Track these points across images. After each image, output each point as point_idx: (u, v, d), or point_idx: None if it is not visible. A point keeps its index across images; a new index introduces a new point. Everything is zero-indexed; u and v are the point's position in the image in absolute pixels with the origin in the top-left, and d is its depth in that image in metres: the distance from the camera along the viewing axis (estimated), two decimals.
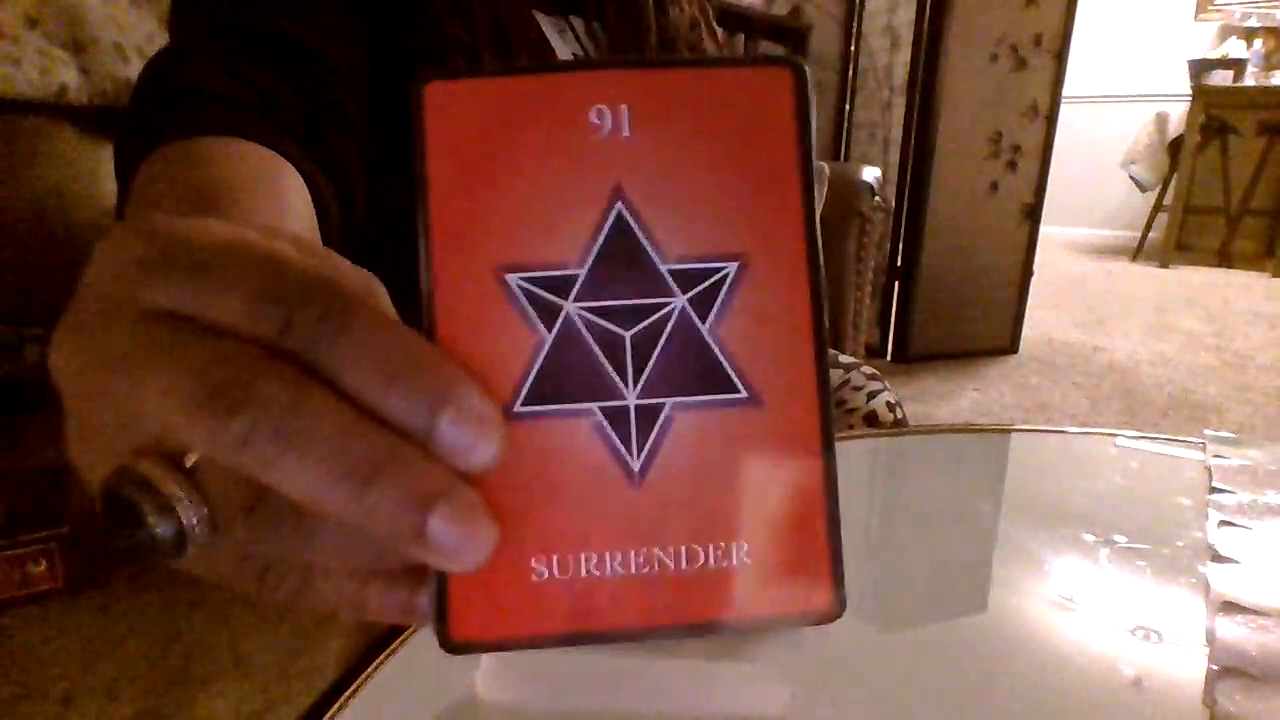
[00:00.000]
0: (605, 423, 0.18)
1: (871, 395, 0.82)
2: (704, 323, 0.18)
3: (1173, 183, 4.30)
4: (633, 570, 0.18)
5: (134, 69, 1.00)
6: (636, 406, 0.18)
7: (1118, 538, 0.51)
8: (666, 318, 0.18)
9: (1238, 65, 4.17)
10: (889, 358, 2.72)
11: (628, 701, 0.38)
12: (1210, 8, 4.67)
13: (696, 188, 0.18)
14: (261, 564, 0.18)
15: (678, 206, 0.18)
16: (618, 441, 0.18)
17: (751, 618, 0.18)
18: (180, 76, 0.40)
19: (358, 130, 0.48)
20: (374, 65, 0.51)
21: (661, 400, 0.18)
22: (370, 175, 0.49)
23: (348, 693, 0.38)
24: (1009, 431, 0.72)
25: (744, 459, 0.18)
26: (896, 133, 2.62)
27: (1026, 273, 2.75)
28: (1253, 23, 4.38)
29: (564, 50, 0.63)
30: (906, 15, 2.52)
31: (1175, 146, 4.31)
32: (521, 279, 0.18)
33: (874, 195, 1.67)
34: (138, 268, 0.17)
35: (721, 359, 0.18)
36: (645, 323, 0.18)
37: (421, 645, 0.42)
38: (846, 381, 0.84)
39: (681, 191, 0.18)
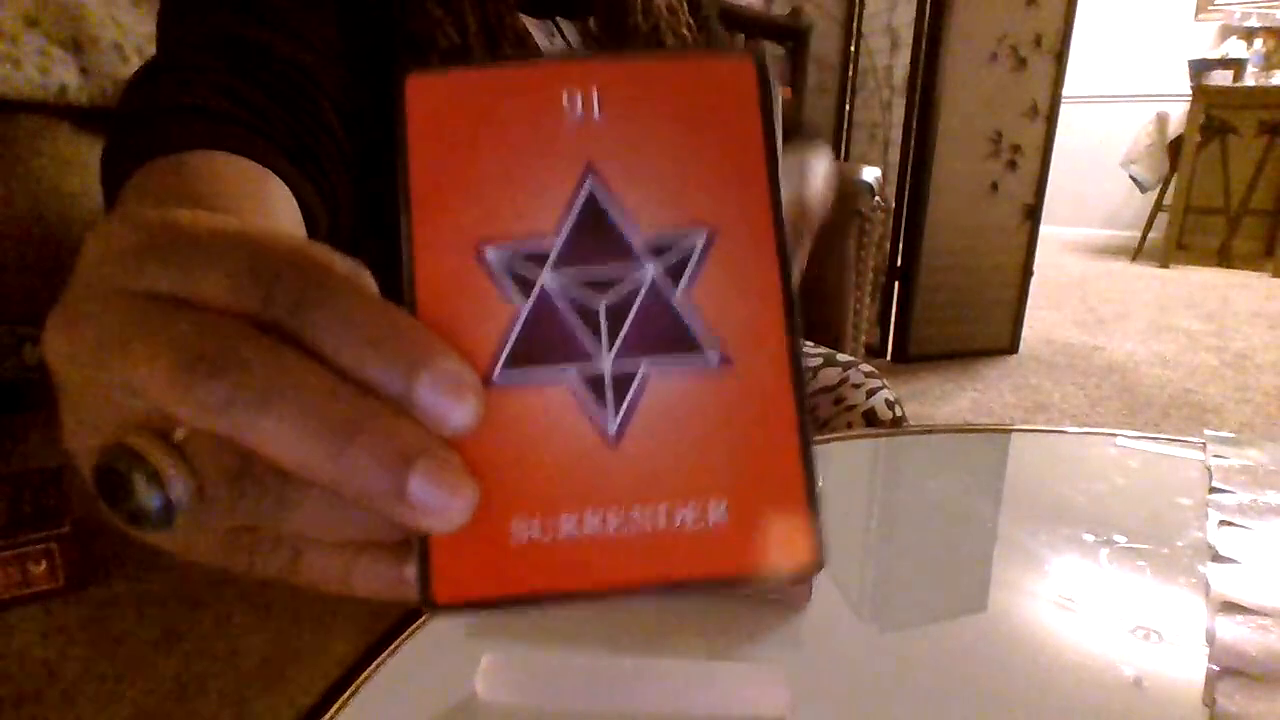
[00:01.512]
0: (582, 387, 0.18)
1: (870, 393, 0.82)
2: (675, 289, 0.19)
3: (1173, 183, 4.30)
4: (612, 530, 0.18)
5: (134, 69, 1.00)
6: (612, 371, 0.18)
7: (1118, 538, 0.51)
8: (639, 285, 0.19)
9: (1238, 65, 4.16)
10: (889, 358, 2.72)
11: (628, 701, 0.38)
12: (1210, 8, 4.67)
13: (665, 164, 0.19)
14: (250, 542, 0.19)
15: (647, 182, 0.19)
16: (594, 405, 0.18)
17: (733, 574, 0.18)
18: (167, 91, 0.40)
19: (340, 141, 0.48)
20: (363, 72, 0.52)
21: (636, 364, 0.19)
22: (354, 183, 0.49)
23: (348, 693, 0.38)
24: (1009, 431, 0.72)
25: (718, 418, 0.18)
26: (896, 133, 2.62)
27: (1026, 273, 2.75)
28: (1253, 23, 4.38)
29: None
30: (906, 15, 2.52)
31: (1175, 146, 4.31)
32: (498, 252, 0.19)
33: (874, 195, 1.67)
34: (127, 254, 0.18)
35: (692, 323, 0.19)
36: (619, 290, 0.19)
37: (421, 645, 0.42)
38: (845, 379, 0.84)
39: (650, 168, 0.19)
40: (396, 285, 0.19)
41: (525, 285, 0.19)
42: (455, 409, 0.17)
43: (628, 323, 0.19)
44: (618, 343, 0.19)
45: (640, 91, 0.19)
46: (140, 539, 0.18)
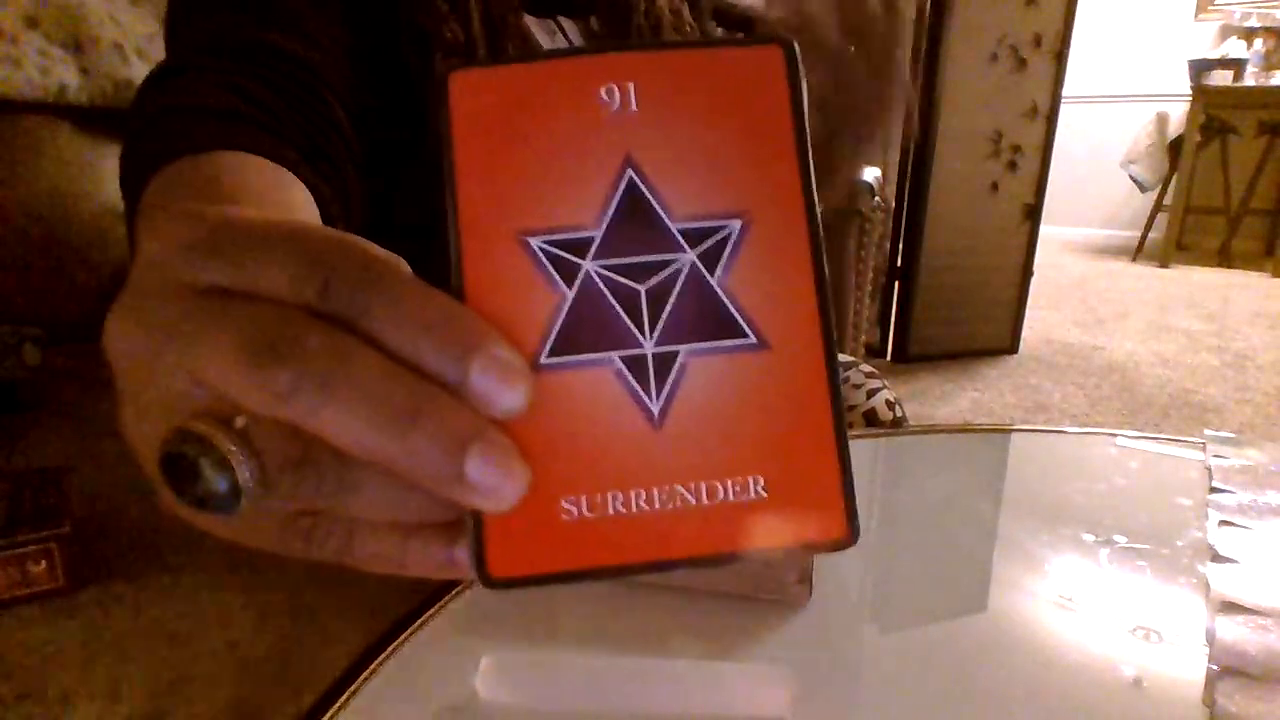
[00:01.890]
0: (625, 370, 0.19)
1: (871, 393, 0.82)
2: (712, 275, 0.20)
3: (1173, 183, 4.30)
4: (656, 506, 0.19)
5: (134, 69, 1.00)
6: (654, 354, 0.19)
7: (1118, 538, 0.51)
8: (678, 272, 0.20)
9: (1238, 65, 4.16)
10: (889, 358, 2.72)
11: (628, 702, 0.38)
12: (1210, 8, 4.67)
13: (700, 154, 0.20)
14: (307, 526, 0.19)
15: (684, 171, 0.20)
16: (637, 387, 0.19)
17: (770, 547, 0.19)
18: (180, 93, 0.40)
19: (349, 140, 0.49)
20: (369, 69, 0.52)
21: (676, 347, 0.19)
22: (362, 181, 0.50)
23: (348, 693, 0.38)
24: (1009, 431, 0.72)
25: (756, 399, 0.19)
26: (896, 133, 2.62)
27: (1026, 273, 2.75)
28: (1253, 23, 4.37)
29: None
30: (906, 15, 2.52)
31: (1175, 146, 4.30)
32: (543, 241, 0.19)
33: (874, 195, 1.67)
34: (186, 250, 0.18)
35: (730, 307, 0.20)
36: (659, 277, 0.20)
37: (421, 645, 0.42)
38: (845, 380, 0.84)
39: (687, 158, 0.20)
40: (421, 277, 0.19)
41: (569, 273, 0.19)
42: (506, 393, 0.17)
43: (668, 308, 0.19)
44: (659, 327, 0.19)
45: (674, 83, 0.20)
46: (202, 525, 0.19)
